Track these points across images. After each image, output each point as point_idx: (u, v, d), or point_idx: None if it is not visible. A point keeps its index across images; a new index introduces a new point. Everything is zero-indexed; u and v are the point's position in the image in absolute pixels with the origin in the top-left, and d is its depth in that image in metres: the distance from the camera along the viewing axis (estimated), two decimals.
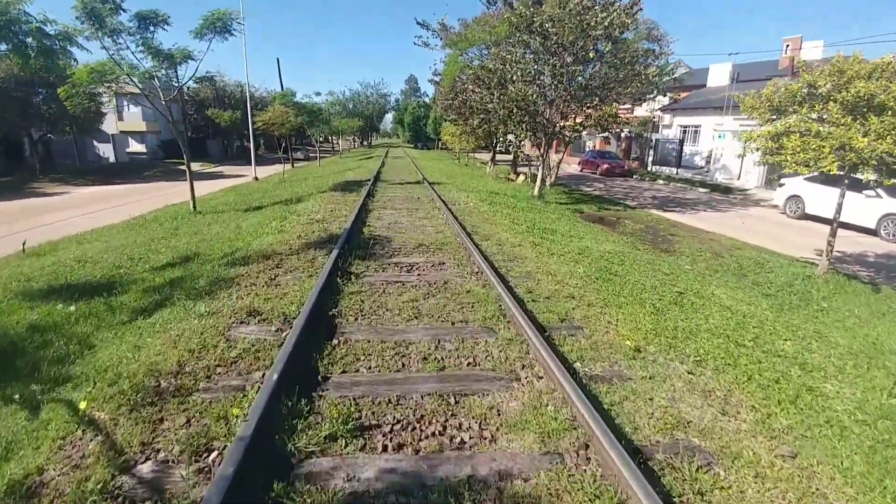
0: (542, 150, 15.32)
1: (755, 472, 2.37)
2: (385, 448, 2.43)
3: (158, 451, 2.35)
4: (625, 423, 2.69)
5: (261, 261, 5.70)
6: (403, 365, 3.28)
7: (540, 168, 15.34)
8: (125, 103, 31.79)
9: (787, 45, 24.39)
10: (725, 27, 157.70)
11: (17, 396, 2.90)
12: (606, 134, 17.51)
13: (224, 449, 2.33)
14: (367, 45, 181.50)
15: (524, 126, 14.98)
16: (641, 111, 27.50)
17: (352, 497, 2.10)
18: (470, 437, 2.53)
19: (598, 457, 2.36)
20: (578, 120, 15.87)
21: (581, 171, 28.96)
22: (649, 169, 28.45)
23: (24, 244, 7.41)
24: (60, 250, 7.42)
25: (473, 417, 2.71)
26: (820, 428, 2.84)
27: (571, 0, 12.12)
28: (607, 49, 13.45)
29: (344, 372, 3.16)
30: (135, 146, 34.59)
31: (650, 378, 3.20)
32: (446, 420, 2.68)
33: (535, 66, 13.84)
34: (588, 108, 15.13)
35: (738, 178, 22.42)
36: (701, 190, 21.25)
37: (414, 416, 2.70)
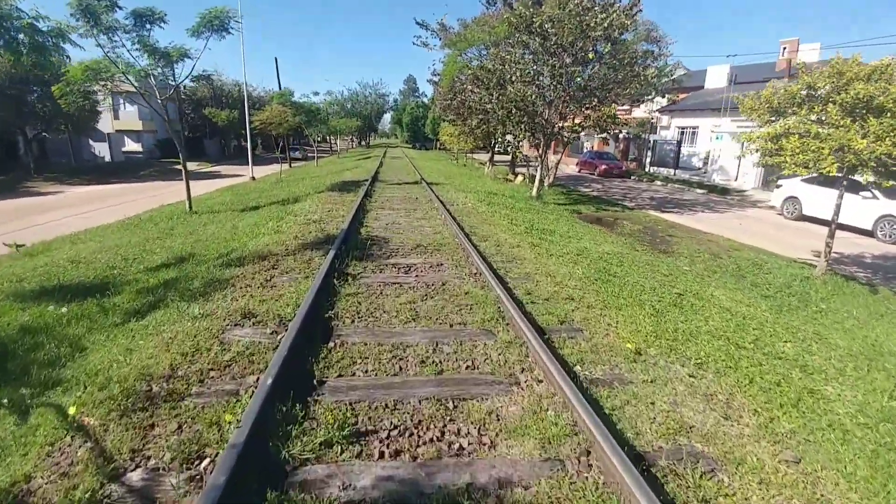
0: (540, 151, 15.29)
1: (759, 479, 2.33)
2: (382, 455, 2.37)
3: (149, 458, 2.29)
4: (626, 429, 2.65)
5: (257, 262, 5.63)
6: (401, 368, 3.23)
7: (538, 169, 15.31)
8: (121, 102, 31.60)
9: (784, 48, 24.43)
10: (724, 28, 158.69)
11: (5, 401, 2.83)
12: (605, 135, 17.48)
13: (216, 456, 2.27)
14: (366, 45, 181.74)
15: (523, 126, 14.96)
16: (640, 112, 27.59)
17: None
18: (469, 443, 2.48)
19: (599, 463, 2.31)
20: (577, 121, 15.87)
21: (579, 171, 29.00)
22: (647, 170, 28.50)
23: (15, 245, 7.32)
24: (53, 250, 7.33)
25: (472, 422, 2.66)
26: (822, 432, 2.81)
27: (571, 1, 12.11)
28: (606, 50, 13.44)
29: (340, 376, 3.10)
30: (131, 145, 34.42)
31: (651, 381, 3.16)
32: (444, 425, 2.62)
33: (535, 67, 13.82)
34: (587, 108, 15.15)
35: (736, 180, 22.47)
36: (698, 191, 21.28)
37: (411, 421, 2.65)
